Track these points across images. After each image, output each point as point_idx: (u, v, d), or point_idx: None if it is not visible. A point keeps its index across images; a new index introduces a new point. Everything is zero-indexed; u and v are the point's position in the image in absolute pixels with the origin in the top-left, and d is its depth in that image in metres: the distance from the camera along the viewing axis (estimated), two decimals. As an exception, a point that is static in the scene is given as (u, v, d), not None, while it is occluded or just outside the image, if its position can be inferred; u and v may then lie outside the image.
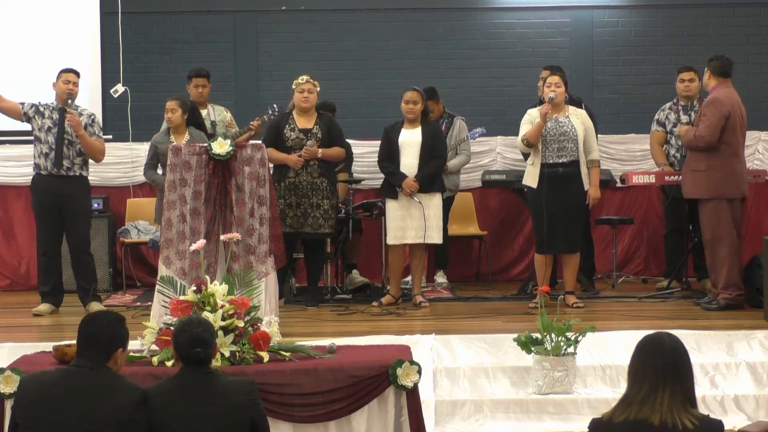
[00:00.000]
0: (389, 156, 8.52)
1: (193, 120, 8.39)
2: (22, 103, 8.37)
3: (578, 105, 8.90)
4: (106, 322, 4.33)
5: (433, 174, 8.45)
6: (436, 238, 8.45)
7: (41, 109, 8.33)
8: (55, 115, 8.28)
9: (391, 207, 8.48)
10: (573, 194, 8.14)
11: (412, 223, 8.38)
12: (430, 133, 8.48)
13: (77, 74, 8.38)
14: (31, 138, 8.42)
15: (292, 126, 8.45)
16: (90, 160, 8.44)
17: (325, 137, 8.45)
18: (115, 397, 4.16)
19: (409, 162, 8.45)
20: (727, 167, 7.98)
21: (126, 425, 4.12)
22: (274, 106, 8.66)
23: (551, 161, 8.13)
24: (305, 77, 8.47)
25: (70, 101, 8.25)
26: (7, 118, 8.60)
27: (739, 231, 8.06)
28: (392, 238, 8.47)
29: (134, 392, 4.21)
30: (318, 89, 8.52)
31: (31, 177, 8.47)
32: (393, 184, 8.45)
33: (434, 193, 8.45)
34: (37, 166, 8.34)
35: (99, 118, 8.64)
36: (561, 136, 8.12)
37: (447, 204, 9.48)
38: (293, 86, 8.49)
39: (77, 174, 8.33)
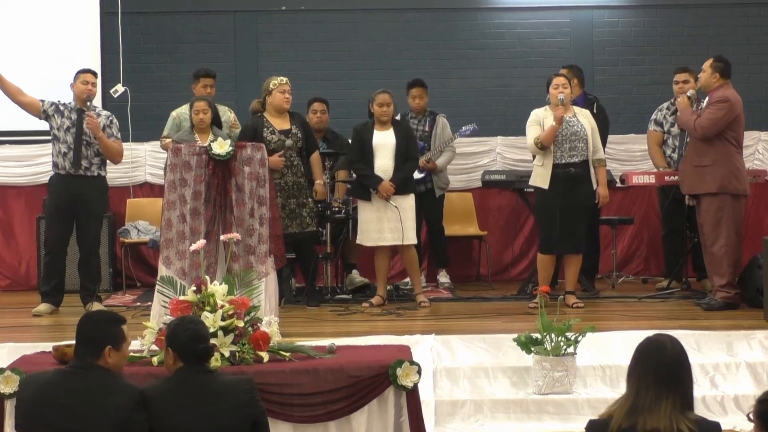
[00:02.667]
0: (362, 157, 8.50)
1: (215, 120, 8.42)
2: (42, 101, 8.36)
3: (591, 105, 8.91)
4: (94, 321, 4.35)
5: (409, 177, 8.48)
6: (410, 238, 8.40)
7: (61, 108, 8.33)
8: (74, 115, 8.29)
9: (365, 208, 8.44)
10: (584, 194, 8.15)
11: (389, 225, 8.34)
12: (402, 134, 8.47)
13: (95, 74, 8.42)
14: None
15: (270, 129, 8.45)
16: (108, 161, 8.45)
17: (302, 136, 8.49)
18: (112, 398, 4.16)
19: (384, 164, 8.41)
20: (731, 164, 7.99)
21: (125, 426, 4.12)
22: None
23: (563, 161, 8.12)
24: (285, 78, 8.49)
25: (88, 102, 8.27)
26: (7, 118, 8.60)
27: (738, 230, 8.06)
28: (368, 240, 8.43)
29: (131, 392, 4.20)
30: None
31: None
32: (367, 186, 8.42)
33: (408, 195, 8.43)
34: (55, 165, 8.35)
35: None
36: (572, 136, 8.11)
37: (439, 202, 9.51)
38: (270, 87, 8.45)
39: (95, 174, 8.33)
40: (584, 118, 8.22)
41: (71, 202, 8.27)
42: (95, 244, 8.46)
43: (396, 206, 8.30)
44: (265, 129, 8.43)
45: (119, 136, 8.52)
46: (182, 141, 8.17)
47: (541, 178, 8.18)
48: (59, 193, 8.33)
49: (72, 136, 8.24)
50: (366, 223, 8.44)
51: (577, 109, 8.32)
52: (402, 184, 8.38)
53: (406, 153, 8.44)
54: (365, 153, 8.46)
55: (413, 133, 8.82)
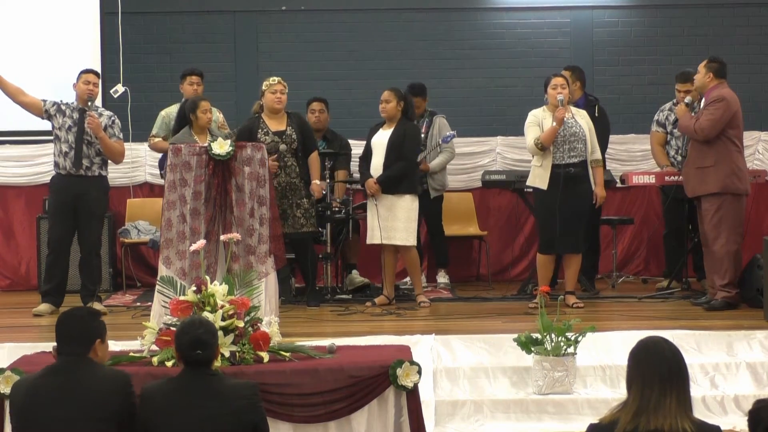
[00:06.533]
0: (365, 156, 8.55)
1: None
2: (44, 101, 8.37)
3: (593, 106, 8.91)
4: (78, 317, 4.41)
5: (398, 176, 8.31)
6: (400, 239, 8.31)
7: (62, 107, 8.34)
8: (76, 115, 8.29)
9: (367, 207, 8.51)
10: (582, 194, 8.17)
11: (380, 223, 8.36)
12: (399, 134, 8.37)
13: (97, 75, 8.44)
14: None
15: (265, 130, 8.45)
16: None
17: (298, 137, 8.48)
18: (102, 386, 4.21)
19: (377, 162, 8.42)
20: (733, 164, 8.01)
21: (120, 411, 4.18)
22: None
23: (563, 162, 8.13)
24: (277, 78, 8.49)
25: (90, 103, 8.28)
26: (7, 118, 8.60)
27: (739, 229, 8.07)
28: (369, 237, 8.49)
29: (122, 378, 4.29)
30: (287, 91, 8.54)
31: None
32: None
33: (401, 195, 8.32)
34: (56, 164, 8.36)
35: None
36: (571, 137, 8.13)
37: (437, 203, 9.50)
38: (263, 87, 8.50)
39: (96, 174, 8.33)
40: (582, 119, 8.24)
41: (72, 202, 8.27)
42: (97, 244, 8.47)
43: (376, 204, 8.29)
44: (260, 130, 8.44)
45: (121, 136, 8.53)
46: (183, 143, 8.15)
47: (539, 178, 8.18)
48: (60, 192, 8.33)
49: (73, 136, 8.25)
50: (368, 221, 8.47)
51: (575, 109, 8.33)
52: (388, 183, 8.30)
53: (399, 153, 8.35)
54: (368, 151, 8.51)
55: (415, 133, 8.59)
